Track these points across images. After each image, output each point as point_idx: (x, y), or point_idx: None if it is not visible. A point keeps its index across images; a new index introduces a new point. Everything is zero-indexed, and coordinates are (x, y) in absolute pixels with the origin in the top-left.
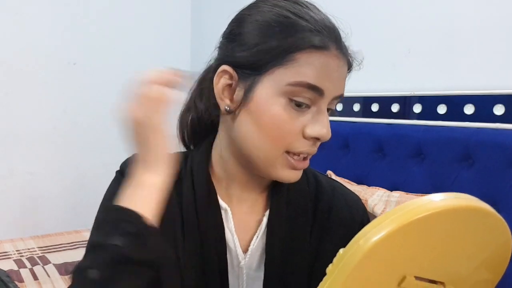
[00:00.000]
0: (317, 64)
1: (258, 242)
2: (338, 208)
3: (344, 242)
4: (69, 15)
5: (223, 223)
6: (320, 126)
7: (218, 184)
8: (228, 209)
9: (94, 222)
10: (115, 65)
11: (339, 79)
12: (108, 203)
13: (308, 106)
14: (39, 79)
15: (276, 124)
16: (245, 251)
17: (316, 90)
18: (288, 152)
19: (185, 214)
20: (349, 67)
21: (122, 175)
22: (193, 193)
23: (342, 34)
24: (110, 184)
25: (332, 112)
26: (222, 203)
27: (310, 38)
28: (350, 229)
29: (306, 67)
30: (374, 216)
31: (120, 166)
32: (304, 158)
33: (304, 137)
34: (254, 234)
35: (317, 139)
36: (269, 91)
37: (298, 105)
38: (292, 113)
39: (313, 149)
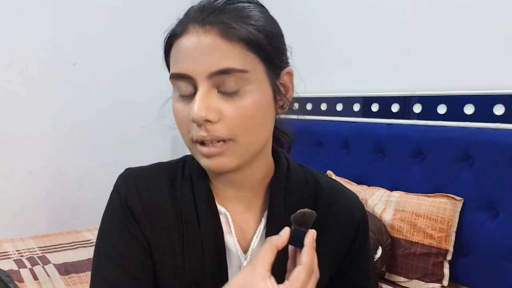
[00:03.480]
0: (176, 51)
1: (258, 242)
2: (337, 207)
3: (341, 240)
4: (69, 15)
5: (222, 228)
6: (193, 108)
7: (215, 187)
8: (228, 213)
9: (95, 259)
10: (115, 65)
11: (203, 54)
12: (108, 234)
13: (192, 93)
14: (39, 79)
15: (174, 115)
16: (245, 251)
17: (181, 77)
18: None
19: (185, 220)
20: (226, 33)
21: (119, 196)
22: (192, 199)
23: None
24: (109, 207)
25: (233, 90)
26: (220, 208)
27: (173, 29)
28: (348, 228)
29: (172, 58)
30: (375, 216)
31: (117, 185)
32: (213, 144)
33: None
34: (254, 234)
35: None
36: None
37: (183, 96)
38: (184, 102)
39: (204, 134)
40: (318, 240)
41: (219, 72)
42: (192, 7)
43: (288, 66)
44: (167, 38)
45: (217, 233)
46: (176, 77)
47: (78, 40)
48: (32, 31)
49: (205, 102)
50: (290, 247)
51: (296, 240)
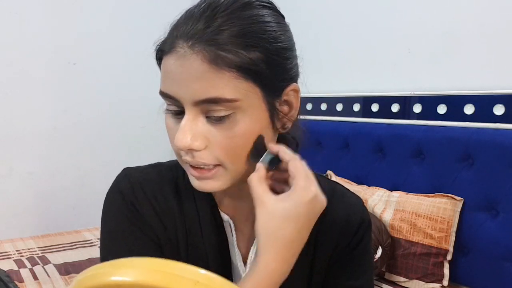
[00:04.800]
0: (164, 68)
1: (255, 252)
2: (333, 211)
3: (337, 244)
4: (69, 15)
5: (227, 239)
6: (177, 135)
7: (216, 194)
8: (231, 221)
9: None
10: (115, 65)
11: (189, 80)
12: (117, 234)
13: (181, 111)
14: (39, 79)
15: (166, 128)
16: (245, 261)
17: (168, 97)
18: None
19: (189, 227)
20: (216, 60)
21: (122, 196)
22: (195, 205)
23: (214, 26)
24: (111, 208)
25: (222, 118)
26: (224, 215)
27: (161, 44)
28: (345, 231)
29: (161, 72)
30: (375, 216)
31: (118, 186)
32: (201, 168)
33: None
34: (251, 245)
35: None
36: None
37: (173, 113)
38: (174, 119)
39: (190, 159)
40: (316, 244)
41: (206, 101)
42: (186, 12)
43: (294, 80)
44: (156, 50)
45: (222, 243)
46: (163, 95)
47: (78, 40)
48: (32, 31)
49: (191, 129)
50: (277, 187)
51: (271, 163)
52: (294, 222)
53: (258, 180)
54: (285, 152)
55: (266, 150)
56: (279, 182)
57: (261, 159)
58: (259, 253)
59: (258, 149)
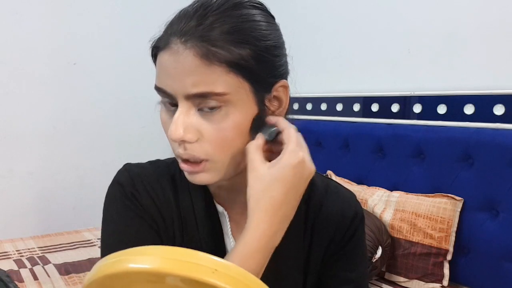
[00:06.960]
0: (159, 64)
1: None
2: (328, 205)
3: (332, 239)
4: (69, 15)
5: (221, 227)
6: (171, 127)
7: (212, 187)
8: (225, 212)
9: (106, 248)
10: (115, 65)
11: (182, 74)
12: (117, 222)
13: (175, 105)
14: (39, 79)
15: (162, 124)
16: None
17: (162, 91)
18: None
19: (184, 219)
20: (207, 55)
21: (123, 188)
22: (190, 197)
23: (207, 22)
24: (112, 199)
25: (213, 111)
26: (218, 207)
27: (157, 41)
28: (340, 225)
29: (156, 68)
30: (375, 216)
31: (119, 179)
32: (193, 162)
33: None
34: None
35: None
36: None
37: (167, 107)
38: (168, 114)
39: (182, 151)
40: (312, 238)
41: (198, 95)
42: (180, 11)
43: (284, 77)
44: (151, 47)
45: (216, 234)
46: (158, 89)
47: (78, 40)
48: (32, 31)
49: (184, 122)
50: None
51: (270, 135)
52: (281, 184)
53: (254, 148)
54: (282, 122)
55: (266, 125)
56: (277, 154)
57: (262, 131)
58: (248, 216)
59: (258, 125)
